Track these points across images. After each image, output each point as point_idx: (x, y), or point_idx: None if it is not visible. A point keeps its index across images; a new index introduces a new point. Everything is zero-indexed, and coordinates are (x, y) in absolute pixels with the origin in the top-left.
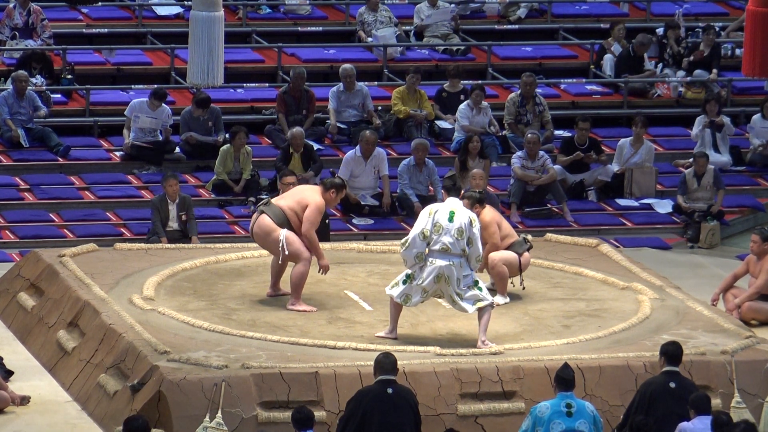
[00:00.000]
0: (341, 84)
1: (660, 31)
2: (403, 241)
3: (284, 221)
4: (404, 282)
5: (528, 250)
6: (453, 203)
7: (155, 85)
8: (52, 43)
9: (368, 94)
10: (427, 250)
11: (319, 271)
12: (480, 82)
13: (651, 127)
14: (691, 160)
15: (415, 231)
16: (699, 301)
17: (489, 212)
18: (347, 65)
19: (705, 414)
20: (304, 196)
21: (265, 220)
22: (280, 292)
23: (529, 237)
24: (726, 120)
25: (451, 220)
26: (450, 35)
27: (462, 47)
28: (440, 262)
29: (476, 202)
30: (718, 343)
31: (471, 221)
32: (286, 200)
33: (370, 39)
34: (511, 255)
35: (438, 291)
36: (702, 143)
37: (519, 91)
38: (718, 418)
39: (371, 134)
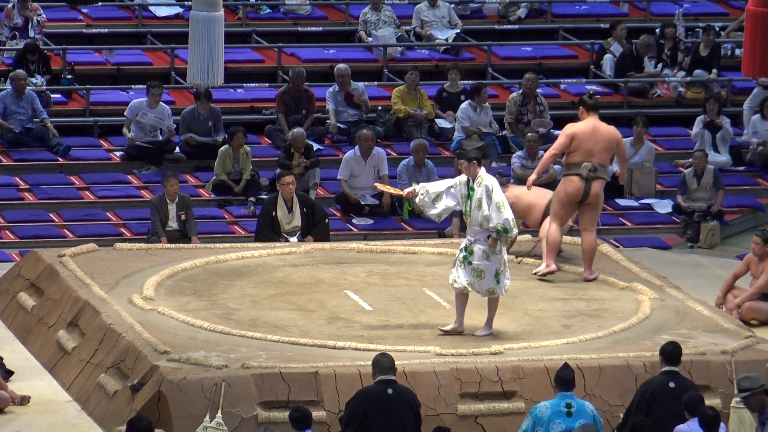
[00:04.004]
0: (336, 84)
1: (658, 31)
2: (510, 225)
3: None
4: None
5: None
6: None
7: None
8: (45, 37)
9: (365, 90)
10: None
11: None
12: (480, 81)
13: (651, 127)
14: (690, 159)
15: (509, 209)
16: (699, 301)
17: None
18: (341, 65)
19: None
20: (595, 139)
21: (601, 186)
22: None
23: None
24: (725, 123)
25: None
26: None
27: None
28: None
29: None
30: (718, 343)
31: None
32: (592, 156)
33: (370, 39)
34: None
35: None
36: (701, 143)
37: (521, 90)
38: (704, 413)
39: (369, 132)
